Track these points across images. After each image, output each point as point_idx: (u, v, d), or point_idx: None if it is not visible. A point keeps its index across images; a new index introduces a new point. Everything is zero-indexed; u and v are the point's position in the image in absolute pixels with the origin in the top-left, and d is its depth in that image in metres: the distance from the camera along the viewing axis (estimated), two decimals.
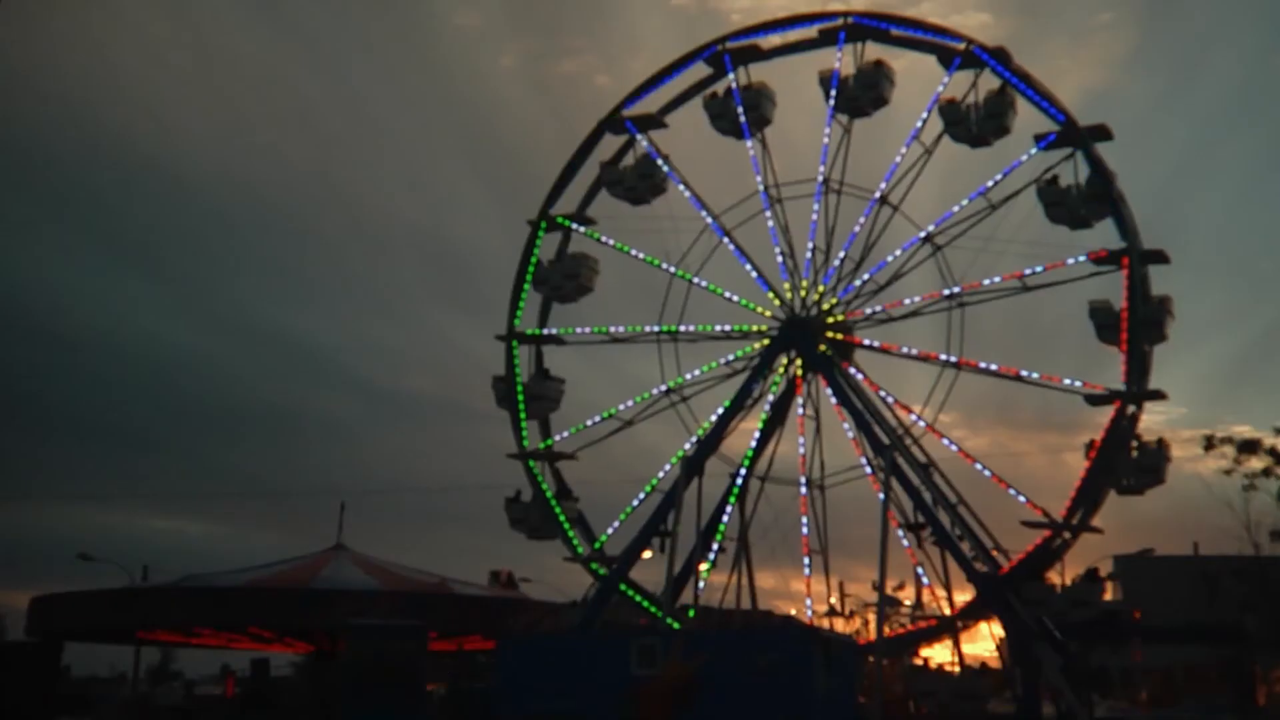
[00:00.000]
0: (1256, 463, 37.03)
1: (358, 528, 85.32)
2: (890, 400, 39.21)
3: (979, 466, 37.21)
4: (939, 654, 47.00)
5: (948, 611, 37.82)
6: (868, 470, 38.29)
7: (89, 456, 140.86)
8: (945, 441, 37.96)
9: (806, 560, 38.67)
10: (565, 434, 41.59)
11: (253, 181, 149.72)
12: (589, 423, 41.34)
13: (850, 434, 38.94)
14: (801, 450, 39.59)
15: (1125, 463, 34.72)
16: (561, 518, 40.15)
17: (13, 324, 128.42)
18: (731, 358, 40.35)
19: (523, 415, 40.98)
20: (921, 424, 37.94)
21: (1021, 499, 35.93)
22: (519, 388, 41.14)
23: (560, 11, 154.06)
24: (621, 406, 41.00)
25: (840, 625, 50.91)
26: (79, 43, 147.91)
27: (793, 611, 42.92)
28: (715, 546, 38.82)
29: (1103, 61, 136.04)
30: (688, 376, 40.55)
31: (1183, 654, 53.61)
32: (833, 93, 39.26)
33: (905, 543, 37.05)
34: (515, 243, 42.89)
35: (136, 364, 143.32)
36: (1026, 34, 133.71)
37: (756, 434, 39.91)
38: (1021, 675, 34.10)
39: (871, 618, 46.81)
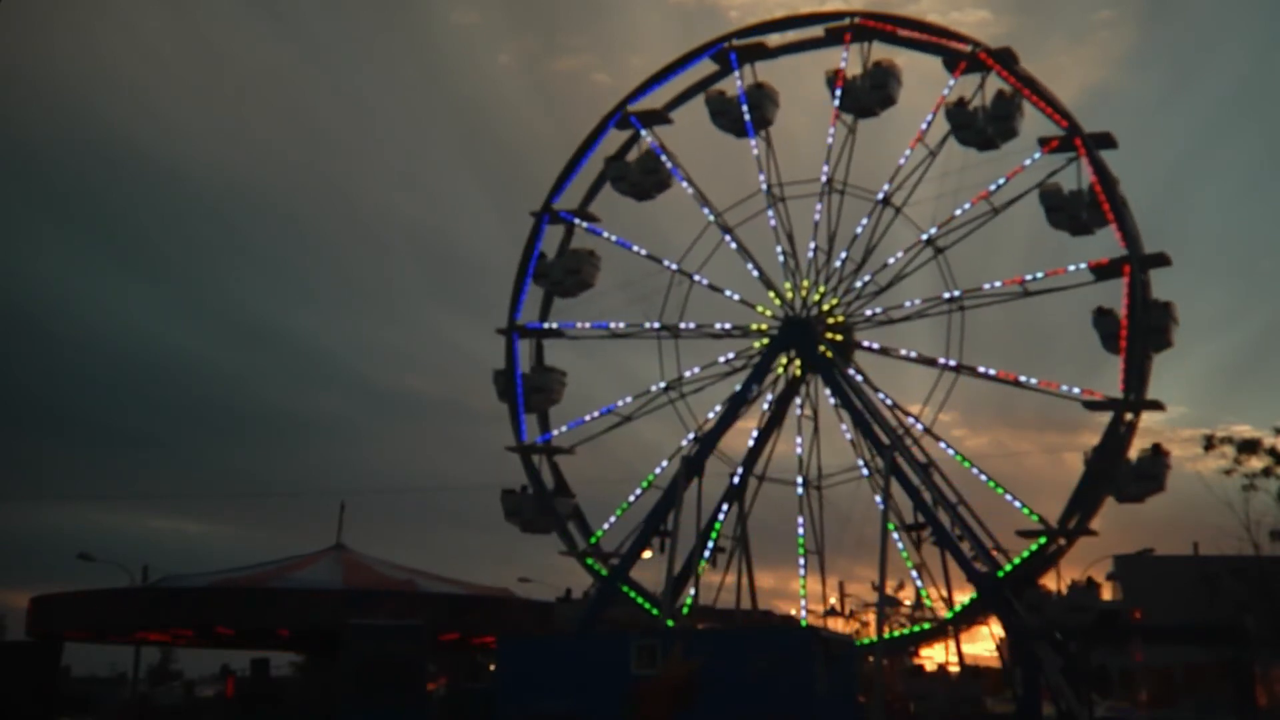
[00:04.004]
0: (1256, 463, 36.98)
1: (358, 528, 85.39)
2: (889, 402, 39.32)
3: (975, 471, 37.37)
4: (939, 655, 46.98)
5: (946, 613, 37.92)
6: (864, 472, 38.43)
7: (89, 456, 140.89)
8: (942, 445, 38.10)
9: (802, 562, 38.88)
10: (563, 429, 41.72)
11: (252, 181, 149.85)
12: (588, 417, 41.50)
13: (849, 435, 39.08)
14: (799, 450, 39.77)
15: (1125, 470, 34.87)
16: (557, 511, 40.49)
17: (12, 324, 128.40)
18: (731, 355, 40.47)
19: (521, 407, 41.27)
20: (920, 427, 38.10)
21: (1018, 504, 36.10)
22: (519, 379, 41.38)
23: (559, 9, 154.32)
24: (620, 403, 41.15)
25: (840, 625, 50.95)
26: (79, 43, 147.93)
27: (792, 612, 42.99)
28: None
29: (1102, 60, 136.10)
30: (687, 374, 40.77)
31: (1183, 654, 53.56)
32: (838, 92, 39.31)
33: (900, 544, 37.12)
34: (515, 240, 43.10)
35: (137, 364, 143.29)
36: (1026, 31, 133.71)
37: (754, 433, 40.10)
38: (1021, 675, 34.12)
39: (871, 617, 46.82)
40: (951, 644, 40.97)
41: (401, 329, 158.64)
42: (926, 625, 39.24)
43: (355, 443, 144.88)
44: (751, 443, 39.73)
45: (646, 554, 39.24)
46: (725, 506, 39.05)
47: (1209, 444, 37.74)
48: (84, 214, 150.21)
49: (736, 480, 39.08)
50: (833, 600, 57.57)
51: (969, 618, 37.70)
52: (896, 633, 41.56)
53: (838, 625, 52.37)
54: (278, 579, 40.44)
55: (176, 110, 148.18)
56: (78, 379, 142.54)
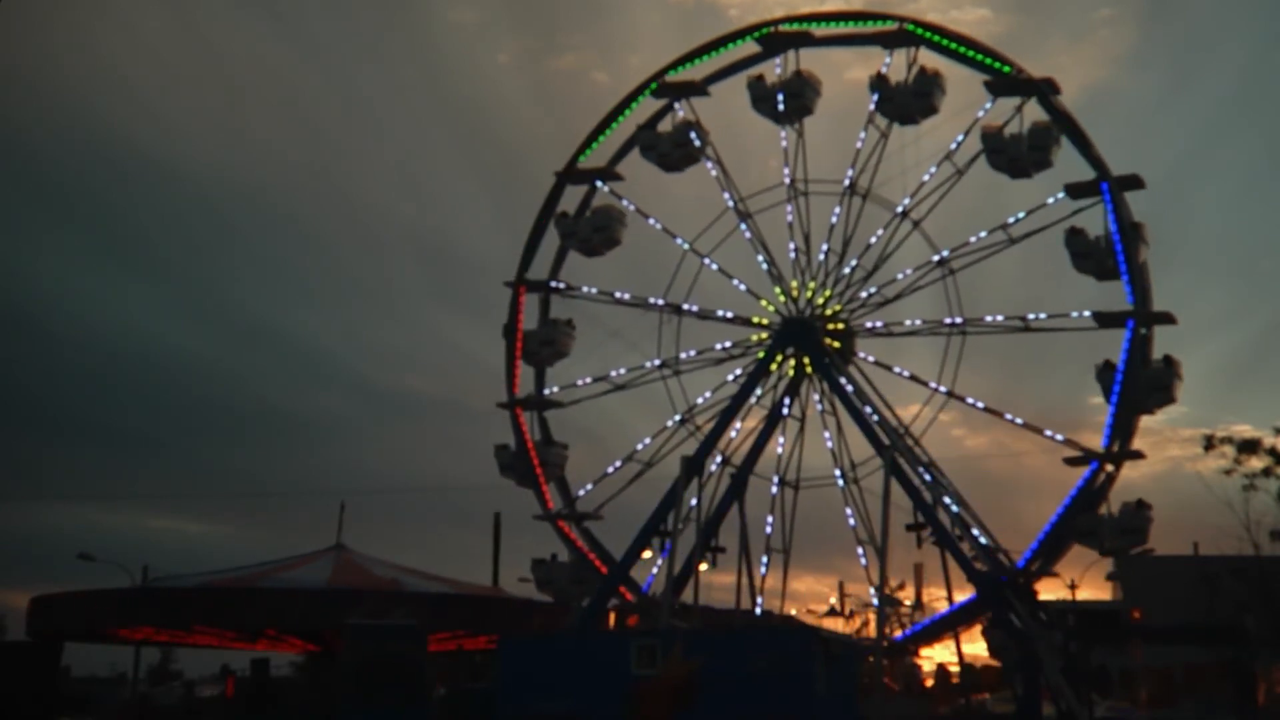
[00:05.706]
0: (1256, 463, 36.98)
1: (358, 528, 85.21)
2: (906, 374, 39.49)
3: (1008, 417, 37.81)
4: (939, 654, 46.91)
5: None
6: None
7: (89, 456, 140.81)
8: (969, 400, 38.15)
9: (861, 552, 39.29)
10: (588, 487, 41.89)
11: (252, 181, 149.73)
12: (610, 469, 41.88)
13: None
14: (830, 446, 40.00)
15: (1137, 384, 35.34)
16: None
17: (12, 324, 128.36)
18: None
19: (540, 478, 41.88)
20: (943, 390, 38.07)
21: (1059, 438, 36.70)
22: (527, 453, 41.95)
23: (558, 8, 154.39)
24: (639, 446, 41.42)
25: (840, 625, 50.94)
26: (79, 43, 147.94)
27: (793, 611, 43.12)
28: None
29: (1102, 60, 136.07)
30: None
31: (1183, 654, 53.52)
32: (780, 97, 39.54)
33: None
34: (514, 240, 43.27)
35: (137, 364, 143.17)
36: (1025, 31, 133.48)
37: (780, 440, 40.39)
38: (1021, 675, 34.11)
39: (872, 617, 46.80)
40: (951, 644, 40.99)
41: (401, 329, 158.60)
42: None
43: (355, 443, 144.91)
44: (780, 450, 40.14)
45: (646, 554, 39.32)
46: (770, 519, 39.65)
47: (1209, 444, 37.75)
48: (84, 214, 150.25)
49: (775, 486, 39.84)
50: (832, 600, 57.69)
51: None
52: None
53: (837, 625, 52.40)
54: (266, 579, 40.49)
55: (177, 110, 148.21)
56: (78, 379, 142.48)
